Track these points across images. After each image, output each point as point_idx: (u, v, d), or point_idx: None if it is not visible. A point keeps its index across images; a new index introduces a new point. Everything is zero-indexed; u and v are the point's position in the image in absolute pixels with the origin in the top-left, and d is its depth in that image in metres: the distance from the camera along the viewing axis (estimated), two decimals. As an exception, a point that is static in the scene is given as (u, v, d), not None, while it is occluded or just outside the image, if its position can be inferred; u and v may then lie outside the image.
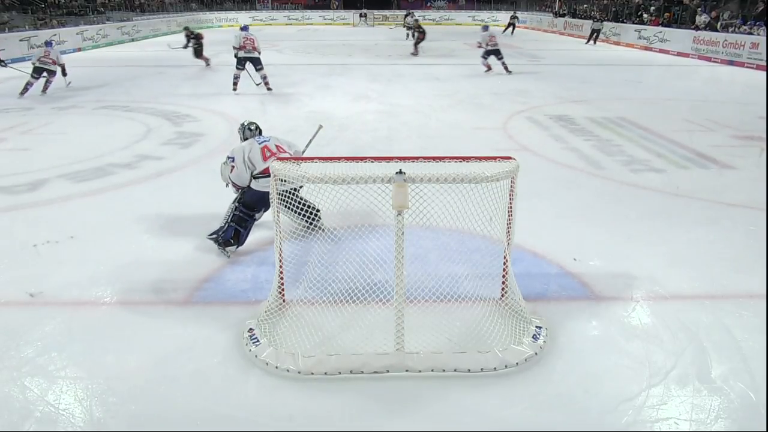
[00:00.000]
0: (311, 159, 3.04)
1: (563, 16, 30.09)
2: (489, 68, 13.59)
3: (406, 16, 26.47)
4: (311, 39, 25.25)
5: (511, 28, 28.24)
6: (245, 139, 4.26)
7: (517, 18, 29.56)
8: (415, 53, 17.77)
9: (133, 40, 23.55)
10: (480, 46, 13.81)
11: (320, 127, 4.84)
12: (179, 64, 15.56)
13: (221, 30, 32.75)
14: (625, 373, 2.74)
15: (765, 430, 2.40)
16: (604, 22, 23.47)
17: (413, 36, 23.89)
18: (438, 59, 17.08)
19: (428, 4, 40.36)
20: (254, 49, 10.33)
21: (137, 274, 3.69)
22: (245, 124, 4.35)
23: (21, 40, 16.40)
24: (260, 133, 4.31)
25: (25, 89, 10.26)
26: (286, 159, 3.11)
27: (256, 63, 10.43)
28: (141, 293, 3.48)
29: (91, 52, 19.29)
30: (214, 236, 3.98)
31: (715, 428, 2.40)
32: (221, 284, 3.61)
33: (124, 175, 5.78)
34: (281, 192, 3.54)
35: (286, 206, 3.70)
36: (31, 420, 2.43)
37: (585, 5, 29.26)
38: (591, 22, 24.04)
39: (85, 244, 4.19)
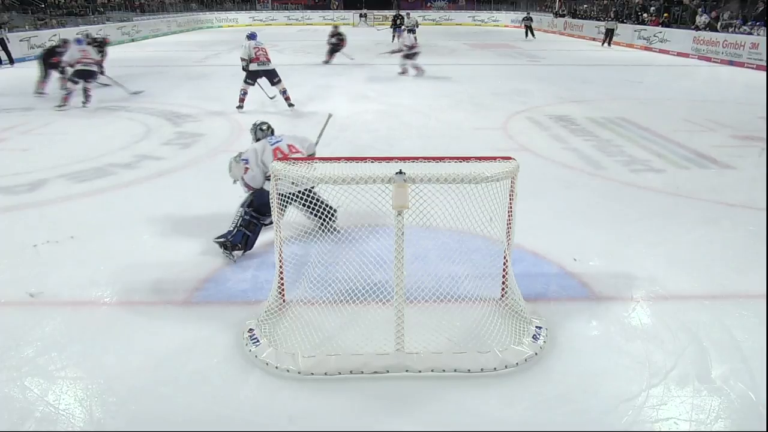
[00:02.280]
0: (311, 159, 3.04)
1: (563, 16, 30.09)
2: (405, 71, 12.98)
3: (395, 17, 23.08)
4: (311, 39, 25.23)
5: (529, 32, 25.49)
6: (257, 139, 4.24)
7: (530, 19, 26.42)
8: (327, 61, 15.38)
9: (133, 40, 23.55)
10: (400, 51, 12.95)
11: (330, 116, 4.82)
12: (180, 64, 15.57)
13: (221, 30, 32.79)
14: (625, 373, 2.73)
15: (765, 430, 2.40)
16: (617, 23, 22.20)
17: (414, 40, 22.98)
18: (438, 59, 17.06)
19: (428, 4, 40.36)
20: (268, 60, 9.00)
21: (137, 274, 3.69)
22: (257, 124, 4.33)
23: (21, 40, 16.41)
24: (272, 132, 4.28)
25: (66, 100, 9.13)
26: (286, 159, 3.11)
27: (272, 76, 9.03)
28: (141, 293, 3.48)
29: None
30: (222, 239, 3.94)
31: (715, 428, 2.40)
32: (221, 284, 3.61)
33: (124, 175, 5.78)
34: (296, 192, 3.56)
35: (302, 206, 3.72)
36: (31, 420, 2.43)
37: (585, 5, 29.24)
38: (605, 22, 22.66)
39: (85, 244, 4.19)
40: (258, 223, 3.96)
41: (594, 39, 24.05)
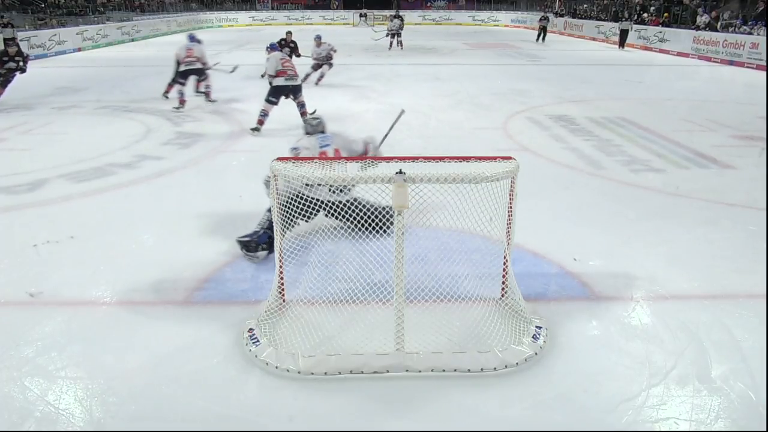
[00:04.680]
0: (311, 159, 3.04)
1: (563, 16, 30.08)
2: (306, 78, 11.31)
3: (394, 17, 20.96)
4: (311, 39, 25.22)
5: (542, 34, 23.05)
6: (307, 132, 4.10)
7: (547, 19, 24.01)
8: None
9: (133, 40, 23.56)
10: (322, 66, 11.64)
11: (402, 111, 4.64)
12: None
13: (221, 30, 32.78)
14: (625, 373, 2.73)
15: (765, 430, 2.40)
16: (632, 23, 20.87)
17: (399, 44, 19.22)
18: (438, 59, 17.08)
19: (428, 4, 40.38)
20: (296, 74, 7.83)
21: (137, 274, 3.69)
22: (308, 116, 4.16)
23: (21, 40, 16.39)
24: (323, 130, 4.10)
25: (181, 101, 8.86)
26: (286, 159, 3.11)
27: (298, 92, 7.82)
28: (141, 293, 3.48)
29: (91, 52, 19.29)
30: (246, 239, 3.82)
31: (715, 428, 2.40)
32: (221, 284, 3.60)
33: (124, 175, 5.78)
34: (336, 202, 3.46)
35: (347, 221, 3.53)
36: (31, 420, 2.43)
37: (585, 5, 29.23)
38: (618, 23, 21.27)
39: (85, 244, 4.18)
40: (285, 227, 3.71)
41: (594, 39, 24.04)
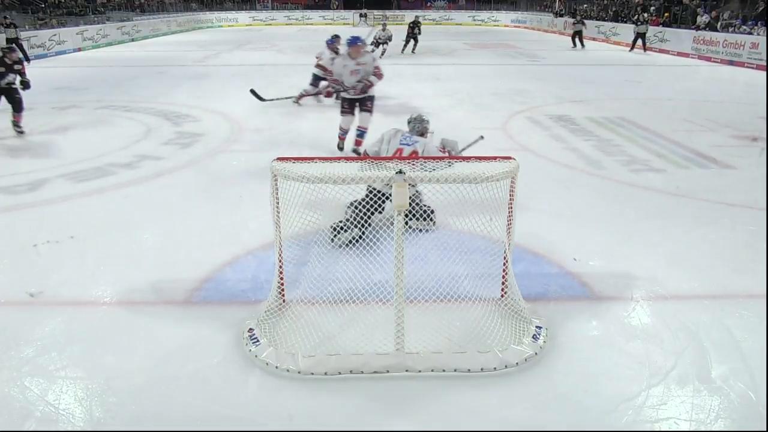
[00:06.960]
0: (311, 159, 3.04)
1: (563, 16, 30.05)
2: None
3: (412, 24, 18.08)
4: (311, 39, 25.24)
5: (578, 40, 20.52)
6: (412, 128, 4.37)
7: (583, 23, 21.00)
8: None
9: (133, 40, 23.57)
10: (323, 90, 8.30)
11: (481, 137, 4.95)
12: (180, 64, 15.57)
13: (221, 30, 32.78)
14: (625, 373, 2.73)
15: (765, 430, 2.40)
16: (648, 25, 19.39)
17: (382, 52, 16.02)
18: (438, 59, 17.07)
19: (428, 4, 40.36)
20: None
21: (137, 274, 3.69)
22: (413, 115, 4.44)
23: (22, 40, 16.39)
24: (420, 132, 4.34)
25: (300, 97, 9.19)
26: (286, 159, 3.10)
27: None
28: (141, 293, 3.48)
29: (91, 52, 19.30)
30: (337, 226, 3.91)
31: (715, 428, 2.40)
32: (221, 284, 3.60)
33: (124, 175, 5.78)
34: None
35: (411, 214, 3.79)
36: (31, 420, 2.43)
37: (585, 5, 29.21)
38: (635, 25, 19.57)
39: (85, 244, 4.18)
40: (362, 218, 3.65)
41: (594, 39, 24.01)
